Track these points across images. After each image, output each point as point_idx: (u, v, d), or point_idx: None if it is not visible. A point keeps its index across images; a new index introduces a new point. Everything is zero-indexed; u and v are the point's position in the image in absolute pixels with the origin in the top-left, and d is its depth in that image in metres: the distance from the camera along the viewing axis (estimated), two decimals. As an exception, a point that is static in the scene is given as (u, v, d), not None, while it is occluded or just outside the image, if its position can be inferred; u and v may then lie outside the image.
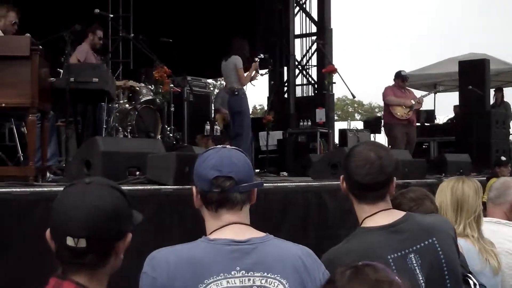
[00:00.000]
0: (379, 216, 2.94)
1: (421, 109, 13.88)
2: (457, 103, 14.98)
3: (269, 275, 2.43)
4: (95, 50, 9.68)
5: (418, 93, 13.96)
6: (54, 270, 2.22)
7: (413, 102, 12.31)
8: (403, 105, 12.21)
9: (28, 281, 3.66)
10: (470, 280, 3.21)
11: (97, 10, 9.50)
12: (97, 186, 2.23)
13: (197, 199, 2.58)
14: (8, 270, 3.80)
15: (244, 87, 10.42)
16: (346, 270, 1.95)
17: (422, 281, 2.80)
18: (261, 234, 2.54)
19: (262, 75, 11.17)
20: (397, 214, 2.98)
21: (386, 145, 11.92)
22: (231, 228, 2.51)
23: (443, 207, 3.96)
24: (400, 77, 12.51)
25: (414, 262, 2.82)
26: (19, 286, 3.77)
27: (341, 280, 1.91)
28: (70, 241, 2.11)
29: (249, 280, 2.41)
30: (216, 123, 12.55)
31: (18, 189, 4.06)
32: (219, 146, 2.68)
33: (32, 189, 4.17)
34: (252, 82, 10.70)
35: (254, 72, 10.59)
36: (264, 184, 5.84)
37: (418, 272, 2.81)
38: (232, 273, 2.40)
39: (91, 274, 2.18)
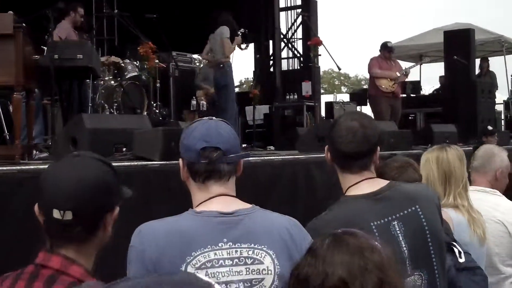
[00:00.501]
0: (363, 185, 2.95)
1: (407, 80, 13.90)
2: (442, 73, 15.02)
3: (256, 246, 2.44)
4: (77, 27, 9.59)
5: (403, 64, 13.98)
6: (44, 244, 2.23)
7: (399, 75, 12.31)
8: (388, 77, 12.22)
9: (18, 257, 3.67)
10: (454, 248, 3.24)
11: (81, -12, 9.43)
12: (84, 159, 2.24)
13: (184, 171, 2.59)
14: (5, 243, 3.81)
15: (230, 60, 10.42)
16: (326, 238, 1.97)
17: (405, 248, 2.83)
18: (247, 205, 2.56)
19: (242, 49, 11.13)
20: (381, 183, 2.99)
21: (372, 117, 11.96)
22: (217, 200, 2.52)
23: (430, 180, 3.97)
24: (386, 48, 12.50)
25: (397, 229, 2.84)
26: (10, 262, 3.78)
27: (321, 248, 1.93)
28: (56, 214, 2.11)
29: (236, 251, 2.42)
30: (201, 98, 12.51)
31: (5, 168, 4.06)
32: (205, 118, 2.68)
33: (19, 167, 4.17)
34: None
35: (236, 45, 10.58)
36: (252, 158, 5.88)
37: (401, 239, 2.83)
38: (219, 245, 2.41)
39: (78, 247, 2.19)
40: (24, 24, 5.60)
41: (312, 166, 6.39)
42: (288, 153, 7.67)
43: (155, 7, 12.38)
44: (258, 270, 2.42)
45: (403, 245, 2.83)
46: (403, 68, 12.72)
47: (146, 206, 4.48)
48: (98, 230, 2.22)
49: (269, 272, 2.42)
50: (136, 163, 4.87)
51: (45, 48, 7.20)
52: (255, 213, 2.54)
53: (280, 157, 6.49)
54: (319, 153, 6.82)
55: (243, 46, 11.10)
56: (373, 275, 1.87)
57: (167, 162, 4.86)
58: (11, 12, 6.23)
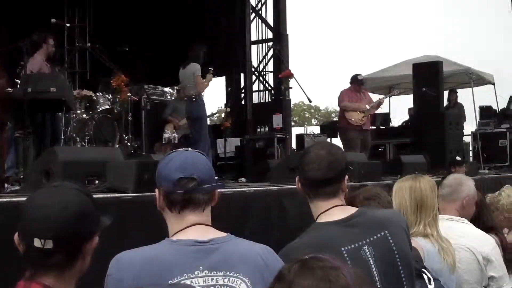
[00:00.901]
0: (333, 212, 3.02)
1: (376, 112, 14.04)
2: (411, 105, 15.19)
3: (231, 274, 2.50)
4: (49, 59, 9.58)
5: (374, 96, 14.13)
6: (22, 274, 2.25)
7: (368, 107, 12.45)
8: (358, 110, 12.35)
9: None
10: (424, 275, 3.31)
11: (53, 20, 9.45)
12: (64, 189, 2.28)
13: (160, 201, 2.64)
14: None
15: (202, 94, 10.51)
16: (294, 264, 2.01)
17: (375, 272, 2.89)
18: (222, 234, 2.61)
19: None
20: (351, 210, 3.07)
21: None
22: (193, 229, 2.57)
23: (402, 208, 4.04)
24: (356, 81, 12.64)
25: (368, 253, 2.91)
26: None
27: (288, 274, 1.98)
28: (37, 243, 2.15)
29: (212, 279, 2.47)
30: (167, 132, 12.52)
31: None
32: (181, 149, 2.74)
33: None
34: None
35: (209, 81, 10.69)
36: (224, 190, 5.92)
37: (372, 263, 2.90)
38: (196, 273, 2.45)
39: (58, 275, 2.22)
40: (-3, 57, 5.64)
41: (283, 197, 6.43)
42: (260, 184, 7.71)
43: (127, 40, 12.44)
44: None
45: (374, 269, 2.90)
46: (374, 100, 12.86)
47: (120, 237, 4.49)
48: (77, 259, 2.26)
49: None
50: (109, 195, 4.88)
51: (18, 81, 7.21)
52: (230, 241, 2.59)
53: (252, 188, 6.54)
54: (291, 185, 6.88)
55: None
56: None
57: (141, 194, 4.88)
58: (-16, 45, 6.28)
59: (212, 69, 10.78)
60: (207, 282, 2.46)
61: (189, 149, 2.74)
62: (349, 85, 12.71)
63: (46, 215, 2.18)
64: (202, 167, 2.62)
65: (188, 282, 2.42)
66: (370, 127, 13.20)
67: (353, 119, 12.31)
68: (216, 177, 2.77)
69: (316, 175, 3.01)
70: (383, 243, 2.96)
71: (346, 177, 3.10)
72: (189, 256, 2.48)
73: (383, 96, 14.25)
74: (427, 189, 4.08)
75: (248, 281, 2.51)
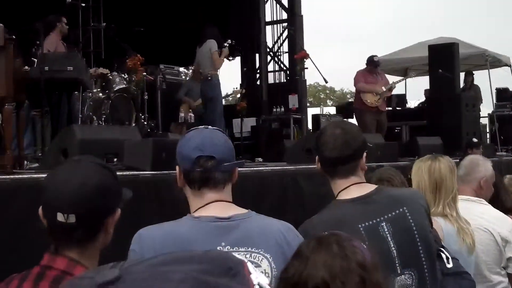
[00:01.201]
0: (352, 190, 3.05)
1: (392, 94, 13.99)
2: (427, 87, 15.12)
3: (253, 249, 2.52)
4: (64, 39, 9.61)
5: (390, 78, 14.07)
6: (46, 248, 2.27)
7: (384, 89, 12.42)
8: (374, 92, 12.33)
9: (15, 265, 3.71)
10: (442, 254, 3.30)
11: (69, 0, 9.45)
12: (85, 163, 2.30)
13: (180, 178, 2.66)
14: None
15: (218, 73, 10.50)
16: (311, 241, 2.04)
17: (393, 248, 2.91)
18: (243, 210, 2.63)
19: (230, 60, 11.20)
20: (370, 187, 3.11)
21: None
22: (214, 206, 2.58)
23: (421, 188, 4.05)
24: (372, 62, 12.60)
25: (385, 230, 2.94)
26: (6, 270, 3.80)
27: (306, 250, 2.00)
28: (60, 217, 2.17)
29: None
30: (182, 111, 12.54)
31: (-1, 177, 4.10)
32: (201, 127, 2.75)
33: (12, 177, 4.20)
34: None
35: (225, 57, 10.67)
36: (241, 169, 5.92)
37: (390, 239, 2.92)
38: (218, 248, 2.46)
39: (82, 249, 2.24)
40: (14, 37, 5.64)
41: (300, 178, 6.45)
42: (277, 164, 7.72)
43: (142, 20, 12.47)
44: None
45: (392, 245, 2.92)
46: (390, 82, 12.83)
47: (138, 215, 4.51)
48: (100, 232, 2.28)
49: (267, 275, 2.48)
50: (127, 173, 4.90)
51: (35, 60, 7.23)
52: (251, 218, 2.61)
53: (269, 168, 6.55)
54: (307, 165, 6.90)
55: (230, 57, 11.19)
56: (355, 275, 1.92)
57: (158, 172, 4.90)
58: (1, 24, 6.28)
59: (227, 44, 10.73)
60: None
61: (209, 127, 2.75)
62: (364, 66, 12.68)
63: (68, 190, 2.20)
64: (221, 145, 2.62)
65: None
66: (386, 109, 13.15)
67: (368, 101, 12.30)
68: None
69: (332, 154, 3.04)
70: (401, 220, 2.99)
71: (364, 155, 3.11)
72: (211, 232, 2.50)
73: (398, 79, 14.13)
74: (446, 169, 4.07)
75: (269, 257, 2.53)
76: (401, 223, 2.98)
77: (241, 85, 15.59)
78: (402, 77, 14.78)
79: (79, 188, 2.19)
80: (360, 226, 2.91)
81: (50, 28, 9.24)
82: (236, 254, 2.45)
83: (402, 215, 2.99)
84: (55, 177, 2.28)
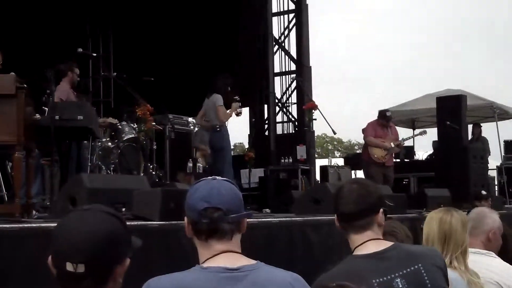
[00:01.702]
0: (368, 245, 3.07)
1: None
2: (435, 138, 15.14)
3: None
4: (75, 88, 9.69)
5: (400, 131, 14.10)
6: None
7: (392, 145, 12.46)
8: (382, 147, 12.38)
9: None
10: None
11: (80, 50, 9.57)
12: (94, 212, 2.29)
13: (189, 229, 2.66)
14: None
15: (226, 124, 10.52)
16: None
17: None
18: (252, 261, 2.62)
19: (238, 115, 11.19)
20: (385, 244, 3.11)
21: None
22: (223, 256, 2.58)
23: (430, 238, 4.03)
24: (384, 117, 12.72)
25: (400, 286, 2.93)
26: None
27: None
28: (69, 267, 2.16)
29: None
30: (199, 160, 12.58)
31: (7, 225, 4.09)
32: (209, 177, 2.75)
33: (21, 225, 4.20)
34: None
35: (234, 110, 10.70)
36: (248, 219, 5.91)
37: None
38: None
39: None
40: (25, 85, 5.69)
41: (308, 229, 6.41)
42: (285, 215, 7.69)
43: (152, 70, 12.55)
44: None
45: None
46: (399, 136, 12.87)
47: (146, 265, 4.49)
48: (109, 281, 2.26)
49: None
50: (135, 222, 4.89)
51: (46, 109, 7.28)
52: (260, 268, 2.59)
53: (277, 219, 6.52)
54: (315, 216, 6.88)
55: (240, 109, 11.21)
56: None
57: (167, 222, 4.89)
58: (13, 73, 6.34)
59: (237, 97, 10.79)
60: None
61: (217, 177, 2.75)
62: (375, 118, 12.74)
63: (77, 239, 2.19)
64: (228, 196, 2.62)
65: None
66: (393, 163, 13.17)
67: (376, 156, 12.38)
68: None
69: (347, 208, 3.10)
70: (416, 276, 2.98)
71: (381, 210, 3.13)
72: (220, 283, 2.49)
73: (407, 136, 14.11)
74: (457, 223, 4.05)
75: None
76: (416, 279, 2.97)
77: (249, 135, 15.63)
78: (411, 136, 14.77)
79: (88, 237, 2.19)
80: (374, 281, 2.91)
81: (61, 76, 9.34)
82: None
83: (417, 271, 2.99)
84: (64, 226, 2.27)
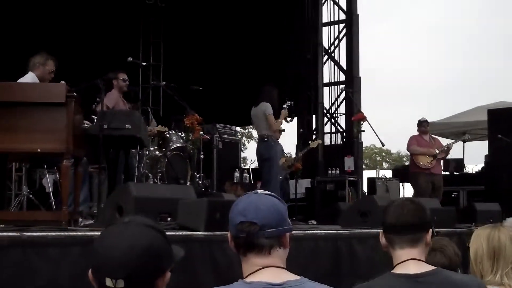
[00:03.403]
0: (410, 265, 2.99)
1: (449, 157, 13.85)
2: (486, 152, 14.92)
3: None
4: (123, 94, 9.77)
5: (446, 141, 13.93)
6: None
7: (437, 151, 12.37)
8: (427, 154, 12.34)
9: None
10: None
11: (130, 58, 9.62)
12: (134, 225, 2.26)
13: (231, 243, 2.64)
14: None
15: (278, 134, 10.50)
16: None
17: None
18: (296, 277, 2.56)
19: (288, 121, 11.20)
20: (427, 267, 3.02)
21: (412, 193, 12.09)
22: (266, 271, 2.54)
23: (478, 255, 3.94)
24: (421, 124, 12.73)
25: None
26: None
27: None
28: (109, 282, 2.14)
29: None
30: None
31: (53, 233, 4.12)
32: (250, 191, 2.72)
33: (67, 233, 4.22)
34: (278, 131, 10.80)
35: (283, 119, 10.67)
36: (294, 231, 5.87)
37: None
38: None
39: None
40: (75, 94, 5.75)
41: (354, 241, 6.36)
42: (331, 227, 7.63)
43: (200, 79, 12.61)
44: None
45: None
46: (444, 145, 12.77)
47: (191, 277, 4.49)
48: None
49: None
50: (180, 233, 4.89)
51: (95, 117, 7.34)
52: (304, 284, 2.54)
53: (323, 231, 6.47)
54: (362, 229, 6.81)
55: (288, 118, 11.19)
56: None
57: (212, 233, 4.87)
58: (63, 82, 6.42)
59: (286, 106, 10.76)
60: None
61: (259, 191, 2.72)
62: (417, 132, 12.72)
63: (116, 255, 2.16)
64: (266, 210, 2.57)
65: None
66: (442, 172, 13.04)
67: (421, 163, 12.34)
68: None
69: (396, 220, 3.05)
70: None
71: (430, 231, 3.08)
72: None
73: (452, 141, 13.98)
74: (506, 238, 3.95)
75: None
76: None
77: (297, 145, 15.57)
78: (455, 140, 14.58)
79: (127, 252, 2.16)
80: None
81: (111, 85, 9.43)
82: None
83: None
84: (103, 240, 2.25)
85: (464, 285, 2.98)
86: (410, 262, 2.99)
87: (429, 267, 3.02)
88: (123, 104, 9.57)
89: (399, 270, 2.99)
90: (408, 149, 12.75)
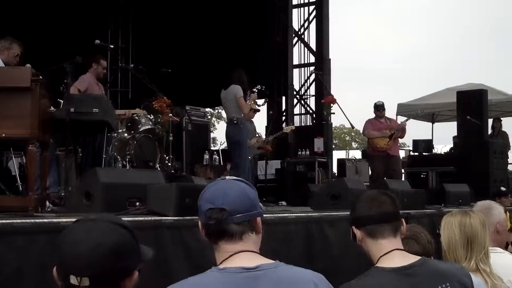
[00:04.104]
0: (394, 256, 2.96)
1: (418, 138, 13.93)
2: (455, 133, 15.00)
3: None
4: (100, 80, 9.68)
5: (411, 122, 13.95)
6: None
7: (393, 132, 12.40)
8: (382, 136, 12.41)
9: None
10: None
11: (97, 41, 9.50)
12: (101, 223, 2.19)
13: (202, 231, 2.60)
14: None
15: (243, 117, 10.45)
16: None
17: None
18: (270, 261, 2.53)
19: (258, 106, 11.16)
20: (412, 258, 3.00)
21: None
22: (239, 256, 2.50)
23: (451, 243, 3.93)
24: (378, 107, 12.81)
25: None
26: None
27: None
28: (73, 280, 2.08)
29: None
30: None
31: (19, 220, 4.04)
32: (218, 178, 2.69)
33: (33, 221, 4.14)
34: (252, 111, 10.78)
35: (252, 102, 10.63)
36: (265, 215, 5.84)
37: None
38: None
39: None
40: (41, 77, 5.63)
41: (326, 225, 6.35)
42: (301, 209, 7.61)
43: (169, 62, 12.50)
44: None
45: None
46: (399, 123, 12.83)
47: (161, 262, 4.44)
48: None
49: None
50: (150, 218, 4.83)
51: (61, 101, 7.23)
52: (280, 267, 2.50)
53: (293, 214, 6.44)
54: (333, 211, 6.81)
55: (260, 102, 11.15)
56: None
57: (181, 217, 4.82)
58: (29, 65, 6.30)
59: (256, 90, 10.71)
60: None
61: (227, 177, 2.69)
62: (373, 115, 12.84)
63: (81, 252, 2.10)
64: (235, 196, 2.54)
65: None
66: (399, 154, 13.23)
67: (378, 146, 12.48)
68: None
69: (378, 209, 3.02)
70: None
71: (403, 220, 3.08)
72: (239, 283, 2.41)
73: (405, 118, 13.89)
74: (477, 224, 3.95)
75: None
76: None
77: (266, 127, 15.55)
78: (408, 117, 14.44)
79: (93, 250, 2.09)
80: None
81: (87, 67, 9.36)
82: None
83: None
84: (69, 237, 2.18)
85: (452, 275, 2.96)
86: (394, 253, 2.96)
87: (414, 258, 2.99)
88: (98, 88, 9.46)
89: (384, 263, 2.95)
90: (363, 133, 12.98)
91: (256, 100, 10.88)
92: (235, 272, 2.44)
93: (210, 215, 2.50)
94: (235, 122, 10.34)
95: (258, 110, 12.08)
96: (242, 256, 2.51)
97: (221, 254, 2.54)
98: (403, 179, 13.75)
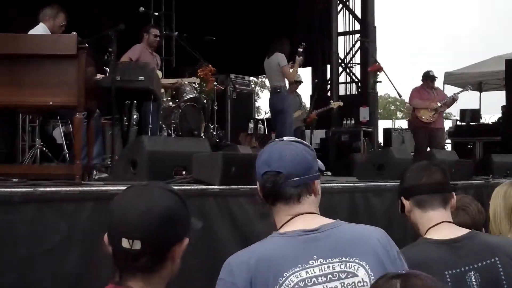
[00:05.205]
0: (443, 228, 2.92)
1: (466, 107, 13.65)
2: (503, 102, 14.74)
3: (347, 259, 2.40)
4: (154, 49, 9.67)
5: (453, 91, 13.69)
6: (110, 270, 2.19)
7: (439, 104, 12.07)
8: (428, 108, 12.02)
9: (84, 280, 3.69)
10: None
11: (141, 9, 9.53)
12: (153, 188, 2.21)
13: (260, 193, 2.60)
14: (70, 268, 3.80)
15: (287, 85, 10.37)
16: (391, 278, 1.90)
17: None
18: (331, 220, 2.53)
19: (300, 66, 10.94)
20: (461, 230, 2.95)
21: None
22: (299, 219, 2.50)
23: (496, 215, 3.85)
24: (428, 77, 12.31)
25: (473, 280, 2.77)
26: (78, 285, 3.77)
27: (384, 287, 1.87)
28: (125, 243, 2.09)
29: (328, 267, 2.39)
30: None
31: (67, 188, 4.05)
32: (276, 139, 2.69)
33: (80, 188, 4.16)
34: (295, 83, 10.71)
35: (297, 67, 10.50)
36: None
37: None
38: (310, 262, 2.38)
39: (146, 278, 2.15)
40: (87, 45, 5.62)
41: (370, 195, 6.28)
42: (346, 179, 7.56)
43: (213, 29, 12.44)
44: (353, 284, 2.38)
45: None
46: (449, 96, 12.44)
47: (206, 231, 4.43)
48: (166, 261, 2.18)
49: (365, 284, 2.38)
50: (195, 187, 4.82)
51: (107, 69, 7.24)
52: (341, 226, 2.50)
53: (339, 184, 6.38)
54: (378, 182, 6.74)
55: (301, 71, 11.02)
56: None
57: (227, 187, 4.80)
58: (74, 33, 6.30)
59: (300, 49, 10.52)
60: (324, 270, 2.38)
61: (284, 139, 2.66)
62: (421, 83, 12.41)
63: (134, 215, 2.11)
64: (291, 158, 2.53)
65: (303, 272, 2.35)
66: (443, 126, 12.87)
67: (423, 117, 11.99)
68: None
69: (428, 179, 2.97)
70: (491, 271, 2.80)
71: (453, 193, 3.03)
72: (300, 246, 2.41)
73: (457, 91, 13.58)
74: None
75: (365, 264, 2.40)
76: (491, 274, 2.79)
77: (311, 96, 15.43)
78: (459, 91, 14.16)
79: (145, 214, 2.10)
80: (447, 273, 2.76)
81: (141, 37, 9.47)
82: (330, 266, 2.34)
83: (493, 265, 2.81)
84: (121, 202, 2.19)
85: (501, 248, 2.89)
86: (443, 225, 2.92)
87: (464, 230, 2.94)
88: (152, 58, 9.47)
89: (433, 235, 2.91)
90: (409, 102, 12.44)
91: (298, 73, 10.75)
92: (295, 236, 2.44)
93: (266, 178, 2.51)
94: (278, 91, 10.28)
95: (301, 82, 12.00)
96: (301, 218, 2.51)
97: (280, 217, 2.55)
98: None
